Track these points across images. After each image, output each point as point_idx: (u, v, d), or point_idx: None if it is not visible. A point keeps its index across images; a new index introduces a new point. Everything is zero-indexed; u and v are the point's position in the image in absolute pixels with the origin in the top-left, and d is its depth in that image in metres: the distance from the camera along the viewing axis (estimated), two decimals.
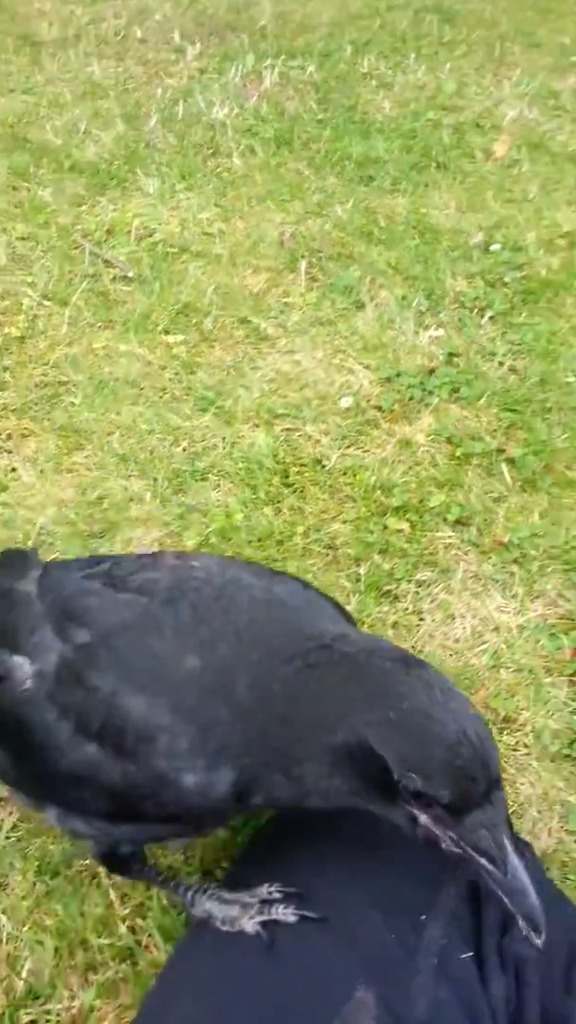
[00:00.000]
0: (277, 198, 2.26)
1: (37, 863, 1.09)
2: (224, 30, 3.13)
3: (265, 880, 0.89)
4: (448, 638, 1.35)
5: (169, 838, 0.93)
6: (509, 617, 1.37)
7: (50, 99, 2.67)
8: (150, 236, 2.13)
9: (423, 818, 0.72)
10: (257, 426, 1.66)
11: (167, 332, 1.86)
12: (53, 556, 1.39)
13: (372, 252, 2.08)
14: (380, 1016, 0.76)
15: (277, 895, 0.87)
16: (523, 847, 0.97)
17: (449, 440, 1.64)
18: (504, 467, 1.59)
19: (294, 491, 1.55)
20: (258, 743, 0.77)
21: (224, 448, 1.62)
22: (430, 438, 1.65)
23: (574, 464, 1.60)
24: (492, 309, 1.90)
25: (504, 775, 1.15)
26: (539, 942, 0.70)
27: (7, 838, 1.11)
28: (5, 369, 1.76)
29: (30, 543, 1.44)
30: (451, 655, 1.32)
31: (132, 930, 1.03)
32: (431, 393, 1.73)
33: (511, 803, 1.16)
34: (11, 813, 1.13)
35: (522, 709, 1.25)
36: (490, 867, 0.71)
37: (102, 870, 1.06)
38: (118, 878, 1.05)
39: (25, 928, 1.04)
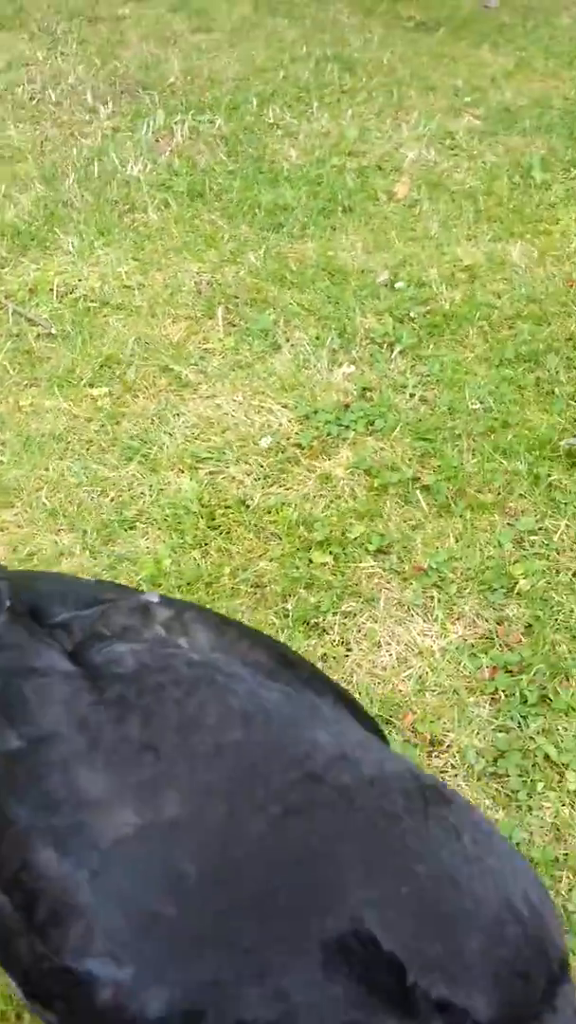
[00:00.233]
0: (193, 249, 2.26)
1: None
2: (135, 89, 3.14)
3: None
4: (375, 666, 1.35)
5: None
6: (432, 641, 1.38)
7: None
8: (71, 292, 2.11)
9: None
10: (182, 471, 1.65)
11: (91, 385, 1.85)
12: None
13: (285, 295, 2.09)
14: None
15: None
16: None
17: (367, 472, 1.65)
18: (420, 494, 1.60)
19: (220, 533, 1.54)
20: (217, 944, 0.54)
21: (151, 496, 1.60)
22: (348, 471, 1.65)
23: (485, 488, 1.61)
24: (401, 344, 1.92)
25: None
26: None
27: None
28: None
29: None
30: (379, 683, 1.32)
31: None
32: (347, 428, 1.73)
33: None
34: None
35: (448, 731, 1.25)
36: None
37: None
38: None
39: None
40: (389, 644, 1.37)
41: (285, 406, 1.79)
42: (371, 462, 1.66)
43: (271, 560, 1.48)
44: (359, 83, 3.15)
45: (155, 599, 0.77)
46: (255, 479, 1.63)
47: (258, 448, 1.69)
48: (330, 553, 1.50)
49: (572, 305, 2.03)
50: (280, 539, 1.52)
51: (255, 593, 1.44)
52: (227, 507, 1.58)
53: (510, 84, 3.12)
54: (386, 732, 1.22)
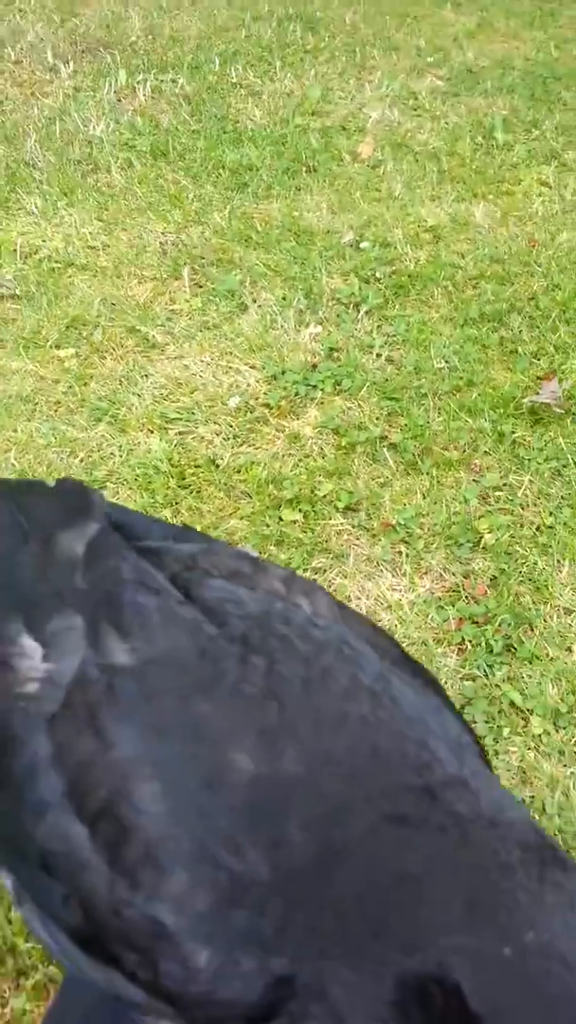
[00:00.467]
0: (157, 209, 2.21)
1: None
2: (96, 47, 3.03)
3: None
4: None
5: (149, 1016, 0.55)
6: (400, 595, 1.38)
7: None
8: (35, 253, 2.05)
9: None
10: (151, 432, 1.62)
11: (58, 346, 1.80)
12: None
13: (251, 256, 2.05)
14: None
15: None
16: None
17: (335, 431, 1.63)
18: (387, 453, 1.59)
19: (191, 492, 1.52)
20: (298, 935, 0.47)
21: (120, 456, 1.57)
22: (317, 430, 1.64)
23: (451, 445, 1.61)
24: (367, 304, 1.90)
25: None
26: None
27: None
28: None
29: None
30: None
31: None
32: (315, 388, 1.71)
33: None
34: None
35: None
36: None
37: None
38: None
39: None
40: (359, 599, 1.37)
41: (253, 366, 1.76)
42: (339, 421, 1.64)
43: (241, 518, 1.47)
44: (322, 43, 3.08)
45: (255, 554, 0.71)
46: (224, 439, 1.61)
47: (227, 408, 1.67)
48: (300, 511, 1.48)
49: (534, 265, 2.02)
50: (250, 498, 1.51)
51: None
52: (197, 467, 1.56)
53: (472, 44, 3.07)
54: None
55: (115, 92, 2.72)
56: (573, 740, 1.19)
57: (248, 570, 0.64)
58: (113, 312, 1.89)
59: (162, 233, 2.12)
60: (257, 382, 1.73)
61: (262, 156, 2.40)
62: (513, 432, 1.62)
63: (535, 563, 1.41)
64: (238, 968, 0.48)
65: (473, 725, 1.20)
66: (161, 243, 2.09)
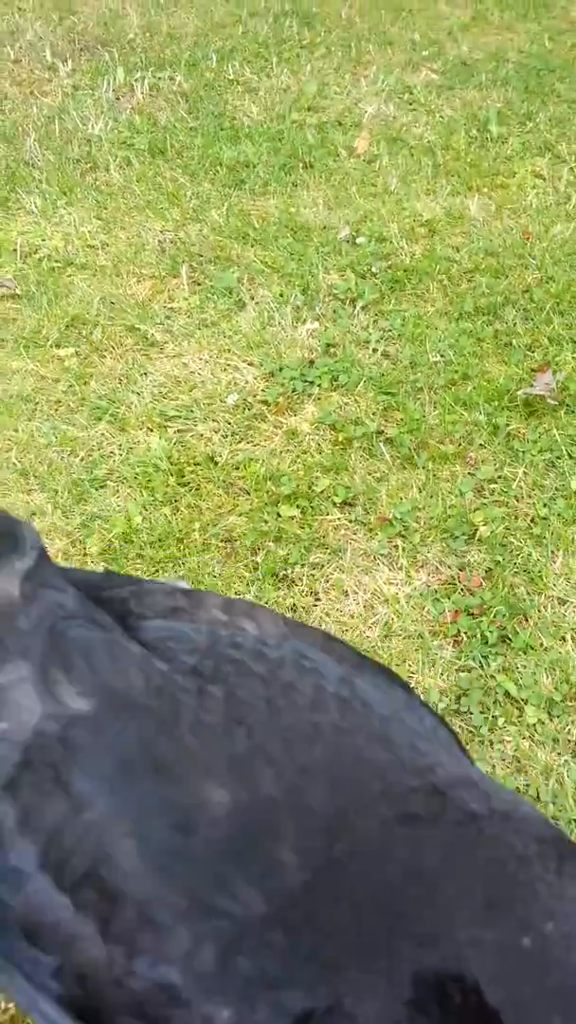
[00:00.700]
0: (156, 207, 2.20)
1: None
2: (94, 46, 3.02)
3: None
4: (343, 614, 1.35)
5: None
6: (397, 588, 1.38)
7: None
8: (35, 253, 2.05)
9: None
10: (151, 430, 1.62)
11: (58, 345, 1.80)
12: None
13: (249, 253, 2.05)
14: None
15: None
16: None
17: (332, 427, 1.63)
18: (383, 447, 1.59)
19: (190, 489, 1.52)
20: (309, 957, 0.45)
21: (120, 454, 1.58)
22: (314, 426, 1.64)
23: (446, 439, 1.61)
24: (363, 299, 1.90)
25: None
26: None
27: None
28: None
29: None
30: (346, 630, 1.33)
31: None
32: (312, 383, 1.71)
33: None
34: None
35: (413, 673, 1.26)
36: None
37: None
38: None
39: None
40: (356, 593, 1.37)
41: (251, 363, 1.76)
42: (336, 417, 1.64)
43: (240, 515, 1.47)
44: (318, 38, 3.06)
45: (184, 584, 0.68)
46: (223, 436, 1.62)
47: (225, 405, 1.67)
48: (297, 506, 1.49)
49: (528, 258, 2.01)
50: (248, 494, 1.51)
51: (225, 547, 1.43)
52: (196, 464, 1.56)
53: (467, 37, 3.05)
54: None
55: (113, 90, 2.70)
56: (567, 728, 1.19)
57: (184, 604, 0.61)
58: (112, 311, 1.88)
59: (160, 231, 2.12)
60: (255, 379, 1.73)
61: (259, 153, 2.39)
62: (508, 425, 1.62)
63: (529, 554, 1.41)
64: (255, 1017, 0.45)
65: (469, 716, 1.21)
66: (159, 241, 2.09)
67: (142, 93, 2.69)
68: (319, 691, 0.53)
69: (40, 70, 2.87)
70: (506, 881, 0.43)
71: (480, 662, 1.27)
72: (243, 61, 2.88)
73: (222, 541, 1.44)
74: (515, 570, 1.39)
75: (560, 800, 1.12)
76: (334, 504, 1.49)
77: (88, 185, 2.28)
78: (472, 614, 1.33)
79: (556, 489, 1.51)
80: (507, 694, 1.23)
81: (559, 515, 1.46)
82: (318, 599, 1.36)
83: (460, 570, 1.40)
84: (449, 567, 1.40)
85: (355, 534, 1.46)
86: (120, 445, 1.59)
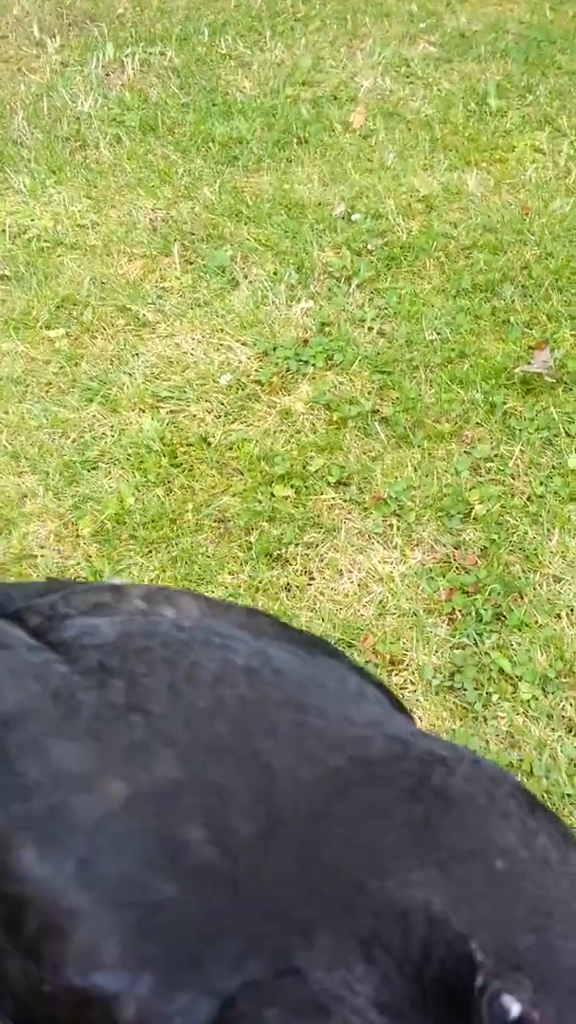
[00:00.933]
0: (147, 185, 2.22)
1: None
2: (83, 21, 3.03)
3: None
4: (338, 593, 1.38)
5: None
6: (392, 567, 1.41)
7: None
8: (24, 233, 2.07)
9: None
10: (143, 411, 1.65)
11: (48, 327, 1.83)
12: None
13: (242, 231, 2.07)
14: None
15: None
16: None
17: (327, 406, 1.66)
18: (379, 426, 1.62)
19: (183, 470, 1.55)
20: (240, 925, 0.44)
21: (112, 436, 1.60)
22: (308, 406, 1.66)
23: (442, 417, 1.63)
24: (358, 277, 1.92)
25: None
26: None
27: None
28: None
29: None
30: (341, 609, 1.36)
31: None
32: (307, 363, 1.74)
33: None
34: None
35: (407, 650, 1.29)
36: None
37: None
38: None
39: None
40: (351, 572, 1.40)
41: (244, 343, 1.79)
42: (330, 396, 1.67)
43: (234, 495, 1.50)
44: (312, 10, 3.06)
45: (123, 581, 0.72)
46: (216, 416, 1.64)
47: (218, 386, 1.70)
48: (291, 486, 1.52)
49: (527, 233, 2.03)
50: (242, 474, 1.54)
51: (219, 528, 1.46)
52: (189, 445, 1.59)
53: (465, 8, 3.05)
54: (348, 654, 1.26)
55: (103, 67, 2.72)
56: (561, 705, 1.22)
57: (109, 599, 0.62)
58: (103, 291, 1.91)
59: (152, 210, 2.14)
60: (248, 359, 1.75)
61: (252, 128, 2.41)
62: (505, 403, 1.65)
63: (525, 532, 1.44)
64: (171, 1006, 0.45)
65: (463, 692, 1.24)
66: (151, 220, 2.11)
67: (132, 69, 2.71)
68: (226, 665, 0.53)
69: (28, 46, 2.89)
70: (477, 811, 0.43)
71: (475, 639, 1.30)
72: (236, 35, 2.90)
73: (215, 522, 1.47)
74: (511, 548, 1.42)
75: (554, 775, 1.15)
76: (328, 484, 1.52)
77: (78, 163, 2.30)
78: (467, 592, 1.36)
79: (553, 467, 1.54)
80: (501, 671, 1.26)
81: (555, 493, 1.49)
82: (312, 579, 1.39)
83: (455, 548, 1.42)
84: (444, 546, 1.43)
85: (350, 513, 1.49)
86: (112, 426, 1.62)
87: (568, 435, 1.59)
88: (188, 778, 0.48)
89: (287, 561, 1.41)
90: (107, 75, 2.69)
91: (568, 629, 1.31)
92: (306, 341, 1.78)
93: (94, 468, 1.55)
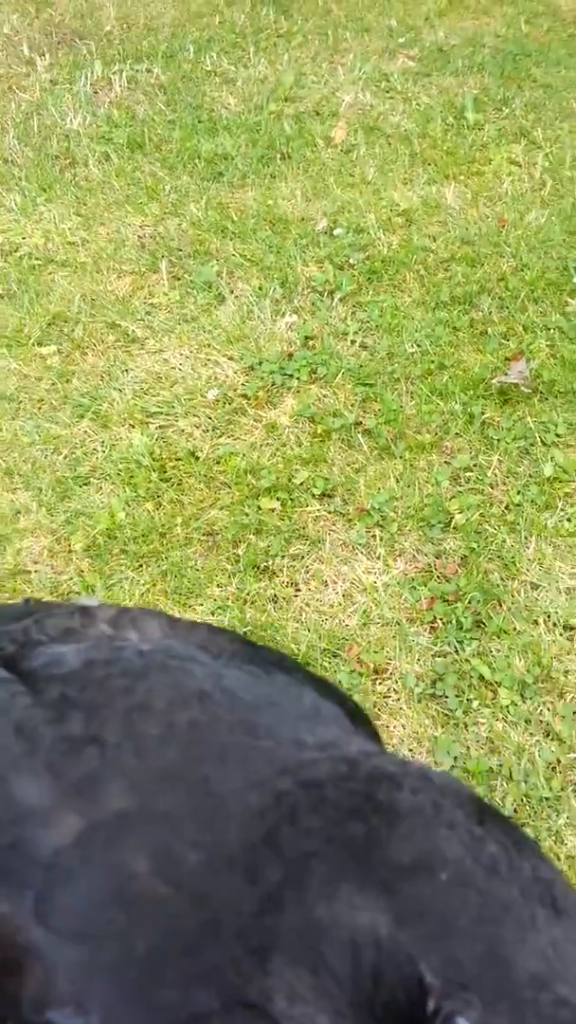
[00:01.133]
0: (135, 201, 2.22)
1: None
2: (72, 39, 3.02)
3: None
4: (323, 604, 1.39)
5: None
6: (375, 577, 1.42)
7: None
8: (16, 251, 2.07)
9: None
10: (133, 427, 1.65)
11: (40, 344, 1.83)
12: None
13: (228, 246, 2.07)
14: None
15: None
16: None
17: (311, 419, 1.66)
18: (362, 438, 1.62)
19: (172, 484, 1.55)
20: (181, 954, 0.44)
21: (103, 451, 1.61)
22: (293, 419, 1.67)
23: (423, 429, 1.64)
24: (341, 291, 1.92)
25: (378, 721, 1.20)
26: None
27: None
28: None
29: None
30: (326, 619, 1.36)
31: None
32: (291, 376, 1.74)
33: (386, 744, 1.21)
34: None
35: (390, 659, 1.30)
36: None
37: None
38: None
39: None
40: (335, 583, 1.41)
41: (231, 358, 1.79)
42: (315, 409, 1.67)
43: (221, 508, 1.51)
44: (295, 26, 3.06)
45: (94, 603, 0.71)
46: (204, 431, 1.64)
47: (206, 400, 1.70)
48: (277, 499, 1.52)
49: (503, 245, 2.04)
50: (229, 488, 1.54)
51: (207, 541, 1.46)
52: (178, 459, 1.59)
53: (443, 22, 3.05)
54: (332, 664, 1.27)
55: (91, 84, 2.71)
56: (539, 709, 1.23)
57: (77, 624, 0.62)
58: (93, 308, 1.91)
59: (140, 226, 2.14)
60: (235, 373, 1.76)
61: (237, 145, 2.41)
62: (483, 413, 1.65)
63: (503, 541, 1.45)
64: None
65: (444, 699, 1.25)
66: (139, 236, 2.10)
67: (120, 86, 2.70)
68: (179, 689, 0.52)
69: (18, 64, 2.87)
70: (423, 825, 0.41)
71: (455, 647, 1.31)
72: (220, 51, 2.89)
73: (204, 535, 1.47)
74: (489, 556, 1.43)
75: (532, 779, 1.16)
76: (313, 496, 1.53)
77: (67, 181, 2.29)
78: (448, 600, 1.37)
79: (529, 476, 1.54)
80: (481, 677, 1.27)
81: (532, 501, 1.50)
82: (298, 590, 1.40)
83: (436, 558, 1.43)
84: (426, 555, 1.44)
85: (334, 525, 1.49)
86: (103, 442, 1.62)
87: (544, 444, 1.60)
88: (137, 808, 0.48)
89: (274, 573, 1.42)
90: (95, 92, 2.68)
91: (545, 635, 1.32)
92: (291, 355, 1.78)
93: (86, 483, 1.55)
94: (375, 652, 1.30)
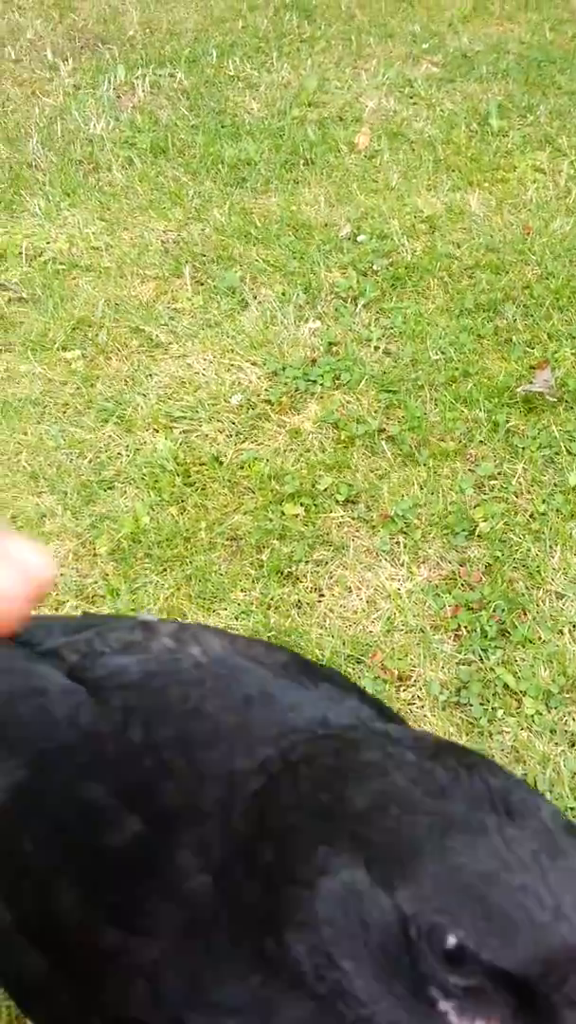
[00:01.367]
0: (158, 207, 2.24)
1: None
2: (95, 43, 3.05)
3: None
4: (347, 610, 1.40)
5: None
6: (399, 584, 1.43)
7: None
8: (40, 255, 2.09)
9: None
10: (157, 431, 1.67)
11: (64, 348, 1.85)
12: None
13: (251, 252, 2.09)
14: None
15: None
16: None
17: (334, 425, 1.68)
18: (385, 445, 1.63)
19: (196, 489, 1.57)
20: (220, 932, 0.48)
21: (128, 455, 1.62)
22: (317, 425, 1.68)
23: (447, 436, 1.65)
24: (364, 297, 1.93)
25: None
26: None
27: None
28: None
29: None
30: (349, 625, 1.37)
31: None
32: (315, 382, 1.75)
33: None
34: None
35: (414, 666, 1.31)
36: None
37: None
38: None
39: None
40: (359, 589, 1.42)
41: (254, 363, 1.80)
42: (338, 415, 1.69)
43: (245, 513, 1.52)
44: (318, 31, 3.08)
45: (153, 618, 0.75)
46: (227, 436, 1.66)
47: (229, 405, 1.72)
48: (301, 505, 1.53)
49: (528, 253, 2.05)
50: (253, 493, 1.55)
51: (231, 546, 1.48)
52: (201, 464, 1.60)
53: (467, 28, 3.07)
54: (356, 671, 1.28)
55: (114, 89, 2.74)
56: (564, 719, 1.24)
57: (140, 637, 0.66)
58: (117, 312, 1.93)
59: (163, 231, 2.16)
60: (258, 379, 1.77)
61: (260, 150, 2.43)
62: (507, 421, 1.66)
63: (528, 550, 1.45)
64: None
65: (468, 708, 1.26)
66: (163, 241, 2.13)
67: (143, 91, 2.73)
68: (230, 697, 0.57)
69: (41, 69, 2.91)
70: (378, 772, 0.46)
71: (480, 655, 1.31)
72: (243, 56, 2.91)
73: (228, 540, 1.48)
74: (514, 565, 1.44)
75: (557, 789, 1.17)
76: (337, 502, 1.54)
77: (91, 186, 2.32)
78: (472, 608, 1.37)
79: (554, 485, 1.55)
80: (506, 686, 1.28)
81: (557, 511, 1.51)
82: (322, 595, 1.41)
83: (460, 565, 1.44)
84: (450, 563, 1.45)
85: (358, 531, 1.50)
86: (127, 446, 1.64)
87: (569, 453, 1.60)
88: (184, 809, 0.52)
89: (297, 578, 1.43)
90: (119, 97, 2.71)
91: (571, 645, 1.32)
92: (314, 361, 1.80)
93: (110, 488, 1.57)
94: (399, 659, 1.31)
